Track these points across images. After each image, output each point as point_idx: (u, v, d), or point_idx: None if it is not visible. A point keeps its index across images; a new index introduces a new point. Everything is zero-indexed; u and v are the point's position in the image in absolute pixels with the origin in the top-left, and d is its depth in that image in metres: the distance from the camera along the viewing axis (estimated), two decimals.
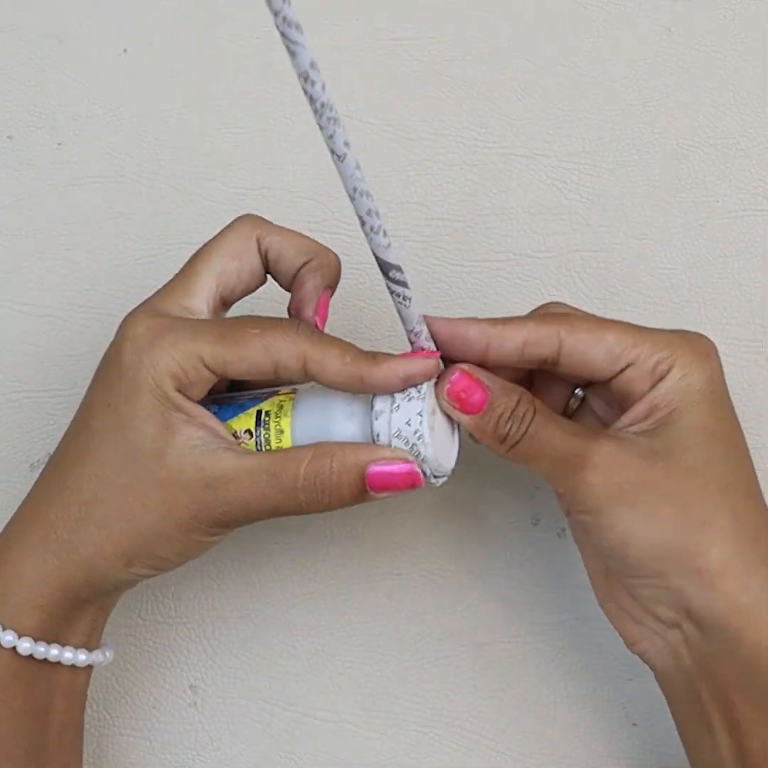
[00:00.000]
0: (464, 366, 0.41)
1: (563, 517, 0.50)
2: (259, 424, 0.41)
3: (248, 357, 0.40)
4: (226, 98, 0.53)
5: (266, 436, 0.41)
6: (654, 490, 0.39)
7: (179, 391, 0.40)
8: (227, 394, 0.44)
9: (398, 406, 0.40)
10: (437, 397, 0.41)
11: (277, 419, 0.41)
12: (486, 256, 0.52)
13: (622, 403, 0.42)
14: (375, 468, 0.40)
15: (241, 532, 0.50)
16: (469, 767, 0.49)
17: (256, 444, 0.41)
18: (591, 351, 0.41)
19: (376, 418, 0.40)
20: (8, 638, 0.40)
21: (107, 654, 0.44)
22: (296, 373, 0.40)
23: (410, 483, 0.40)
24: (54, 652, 0.41)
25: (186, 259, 0.52)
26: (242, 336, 0.40)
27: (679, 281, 0.52)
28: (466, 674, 0.49)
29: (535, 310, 0.44)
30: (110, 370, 0.41)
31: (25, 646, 0.40)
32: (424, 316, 0.41)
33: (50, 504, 0.42)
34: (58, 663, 0.42)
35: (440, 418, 0.41)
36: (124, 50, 0.53)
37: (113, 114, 0.53)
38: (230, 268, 0.42)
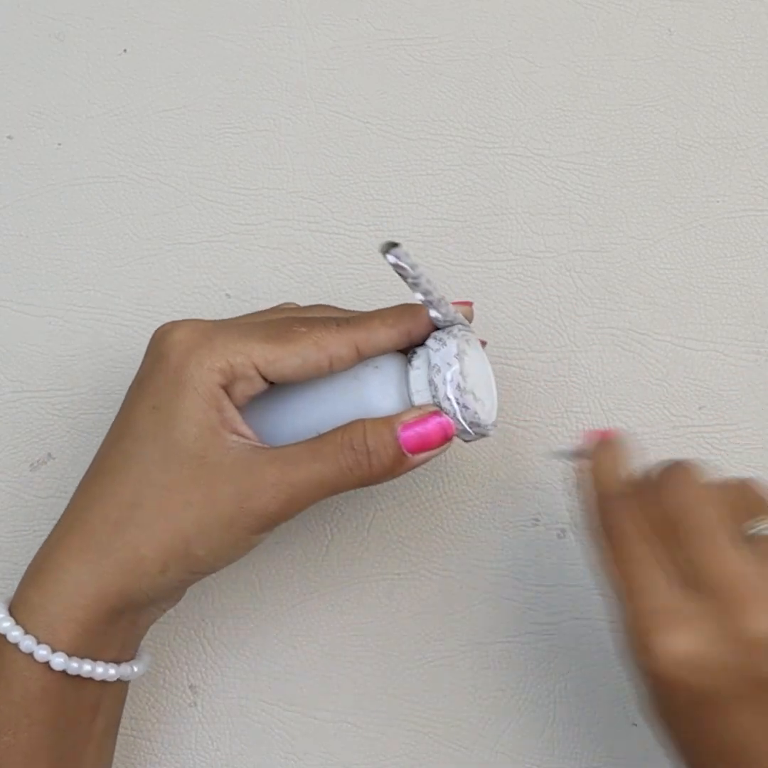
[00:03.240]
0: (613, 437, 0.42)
1: (563, 517, 0.50)
2: None
3: (301, 353, 0.41)
4: (226, 98, 0.53)
5: None
6: None
7: (224, 387, 0.41)
8: None
9: (435, 384, 0.41)
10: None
11: None
12: (486, 256, 0.52)
13: None
14: (406, 429, 0.41)
15: None
16: (469, 767, 0.49)
17: None
18: None
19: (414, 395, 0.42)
20: (42, 653, 0.40)
21: (135, 668, 0.43)
22: (349, 361, 0.41)
23: (442, 434, 0.41)
24: (86, 667, 0.40)
25: (186, 259, 0.52)
26: (292, 335, 0.41)
27: (679, 281, 0.52)
28: (466, 674, 0.49)
29: None
30: (155, 375, 0.41)
31: (59, 661, 0.40)
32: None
33: (91, 510, 0.41)
34: (89, 678, 0.41)
35: (476, 372, 0.42)
36: (124, 50, 0.53)
37: (113, 114, 0.53)
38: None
